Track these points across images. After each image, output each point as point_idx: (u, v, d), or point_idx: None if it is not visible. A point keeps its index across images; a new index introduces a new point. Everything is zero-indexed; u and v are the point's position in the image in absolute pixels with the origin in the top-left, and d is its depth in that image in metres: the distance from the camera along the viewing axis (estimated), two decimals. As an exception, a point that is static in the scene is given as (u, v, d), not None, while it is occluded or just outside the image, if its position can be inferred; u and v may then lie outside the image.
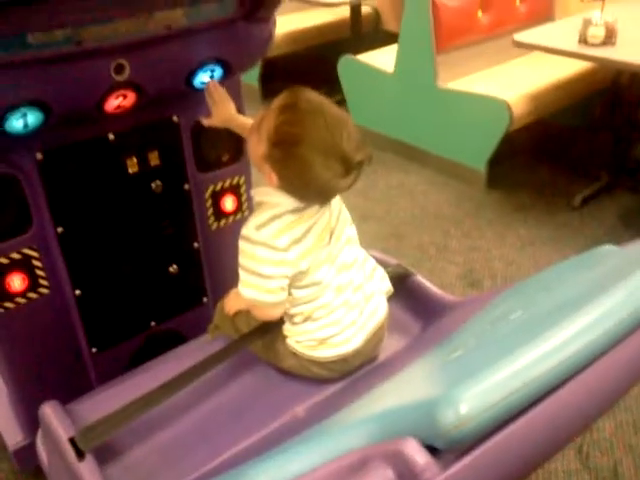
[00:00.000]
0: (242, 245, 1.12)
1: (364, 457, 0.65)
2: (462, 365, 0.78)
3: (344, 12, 3.81)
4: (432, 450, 0.64)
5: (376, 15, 4.06)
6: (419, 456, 0.62)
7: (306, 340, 1.19)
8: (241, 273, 1.14)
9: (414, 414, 0.67)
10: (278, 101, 1.05)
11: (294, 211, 1.10)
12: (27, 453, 1.50)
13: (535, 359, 0.67)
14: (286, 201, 1.10)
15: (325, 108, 1.03)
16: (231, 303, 1.32)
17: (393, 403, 0.77)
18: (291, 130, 1.02)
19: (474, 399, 0.63)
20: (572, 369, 0.69)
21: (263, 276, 1.11)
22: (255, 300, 1.14)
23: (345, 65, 3.37)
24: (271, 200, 1.11)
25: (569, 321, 0.71)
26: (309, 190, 1.06)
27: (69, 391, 1.26)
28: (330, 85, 3.80)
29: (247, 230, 1.11)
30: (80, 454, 1.01)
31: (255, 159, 1.11)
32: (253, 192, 1.18)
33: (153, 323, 1.51)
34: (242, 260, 1.13)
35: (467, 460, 0.64)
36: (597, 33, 2.25)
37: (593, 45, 2.28)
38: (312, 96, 1.05)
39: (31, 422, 1.44)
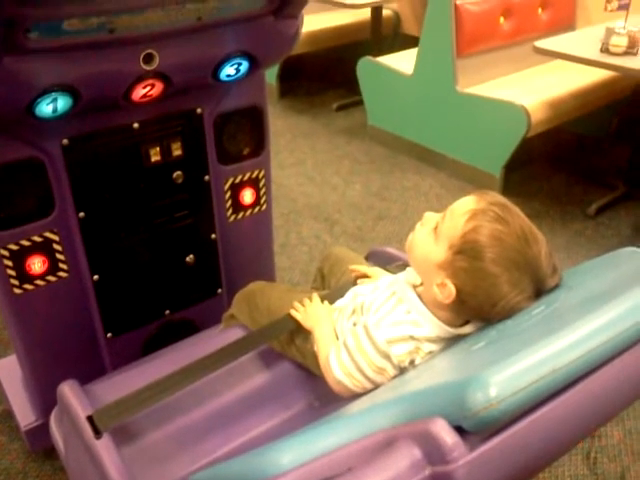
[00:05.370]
0: (361, 336, 1.02)
1: (391, 436, 0.66)
2: (488, 353, 0.78)
3: (365, 14, 3.83)
4: (459, 431, 0.64)
5: (396, 18, 4.08)
6: (447, 436, 0.63)
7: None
8: (342, 351, 1.04)
9: (442, 395, 0.68)
10: (464, 204, 0.93)
11: (435, 340, 0.99)
12: (39, 433, 1.53)
13: (563, 347, 0.68)
14: (433, 326, 0.98)
15: (522, 218, 0.91)
16: (306, 318, 1.21)
17: (419, 386, 0.78)
18: (483, 239, 0.88)
19: (504, 382, 0.64)
20: (599, 360, 0.70)
21: (364, 375, 1.01)
22: (339, 381, 1.03)
23: (364, 66, 3.38)
24: (417, 319, 0.99)
25: (595, 315, 0.72)
26: (493, 310, 0.91)
27: (83, 375, 1.27)
28: (348, 86, 3.83)
29: (376, 332, 1.00)
30: (97, 432, 1.03)
31: (425, 264, 0.97)
32: (403, 294, 1.03)
33: (167, 311, 1.52)
34: (351, 346, 1.03)
35: (494, 442, 0.64)
36: (619, 42, 2.26)
37: (615, 54, 2.28)
38: (503, 202, 0.93)
39: (44, 403, 1.46)
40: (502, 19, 2.96)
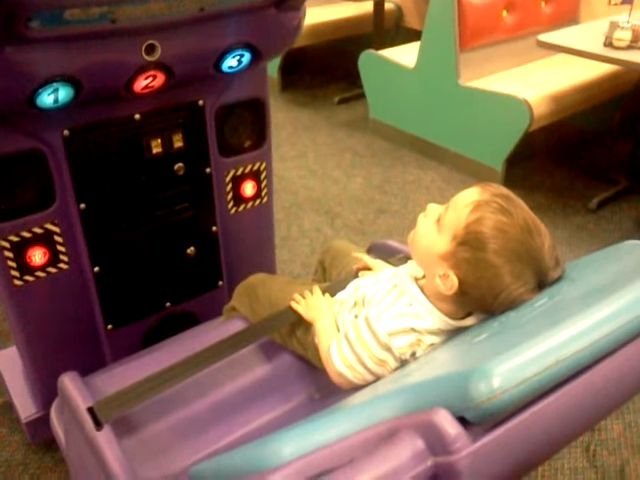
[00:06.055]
0: (362, 328, 1.02)
1: (393, 427, 0.65)
2: (490, 344, 0.78)
3: (367, 7, 3.81)
4: (462, 422, 0.64)
5: (399, 11, 4.06)
6: (450, 426, 0.63)
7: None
8: (344, 343, 1.04)
9: (444, 386, 0.68)
10: (468, 195, 0.92)
11: (437, 333, 0.99)
12: (39, 425, 1.53)
13: (567, 339, 0.68)
14: (435, 319, 0.98)
15: (525, 210, 0.91)
16: (307, 311, 1.21)
17: (420, 378, 0.78)
18: (486, 231, 0.88)
19: (507, 373, 0.64)
20: (601, 352, 0.70)
21: (365, 367, 1.01)
22: (341, 373, 1.03)
23: (366, 60, 3.37)
24: (419, 312, 0.99)
25: (597, 307, 0.71)
26: (495, 301, 0.91)
27: (83, 366, 1.27)
28: (350, 79, 3.82)
29: (378, 324, 1.00)
30: (98, 424, 1.03)
31: (428, 255, 0.96)
32: (405, 287, 1.03)
33: (168, 304, 1.52)
34: (353, 338, 1.03)
35: (496, 433, 0.64)
36: (623, 36, 2.24)
37: (619, 48, 2.27)
38: (507, 193, 0.92)
39: (44, 395, 1.46)
40: (505, 12, 2.94)
